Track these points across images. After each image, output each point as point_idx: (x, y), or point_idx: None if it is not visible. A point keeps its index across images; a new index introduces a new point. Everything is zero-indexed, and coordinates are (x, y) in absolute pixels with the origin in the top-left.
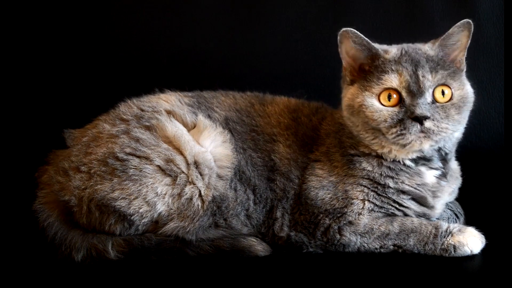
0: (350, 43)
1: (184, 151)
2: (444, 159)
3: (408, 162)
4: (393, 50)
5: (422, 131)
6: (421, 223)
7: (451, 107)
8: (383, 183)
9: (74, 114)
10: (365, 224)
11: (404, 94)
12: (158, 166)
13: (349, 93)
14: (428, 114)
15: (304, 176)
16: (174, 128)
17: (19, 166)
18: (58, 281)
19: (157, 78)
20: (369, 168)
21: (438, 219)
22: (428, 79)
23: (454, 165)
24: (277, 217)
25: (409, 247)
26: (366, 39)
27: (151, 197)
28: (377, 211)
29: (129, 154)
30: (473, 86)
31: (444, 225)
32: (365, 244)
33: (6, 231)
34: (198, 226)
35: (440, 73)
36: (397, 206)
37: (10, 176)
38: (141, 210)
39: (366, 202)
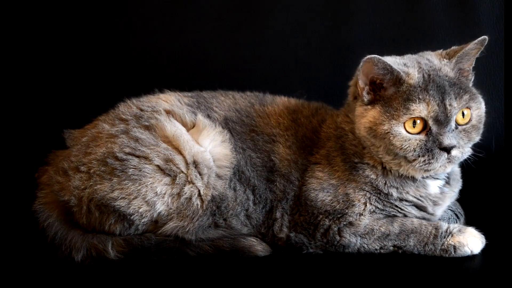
0: (373, 69)
1: (183, 150)
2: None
3: (418, 177)
4: (415, 73)
5: (449, 159)
6: (421, 224)
7: (472, 130)
8: (386, 192)
9: (73, 115)
10: (366, 225)
11: (430, 122)
12: (157, 165)
13: (370, 116)
14: (456, 143)
15: (304, 178)
16: (173, 127)
17: (19, 166)
18: (58, 281)
19: (157, 78)
20: (373, 176)
21: (438, 219)
22: (455, 107)
23: (455, 167)
24: (277, 217)
25: (409, 248)
26: (389, 63)
27: (150, 197)
28: (378, 213)
29: (129, 154)
30: (473, 86)
31: (444, 225)
32: (365, 245)
33: (6, 231)
34: (198, 226)
35: (464, 98)
36: (399, 210)
37: (10, 176)
38: (140, 210)
39: (368, 204)
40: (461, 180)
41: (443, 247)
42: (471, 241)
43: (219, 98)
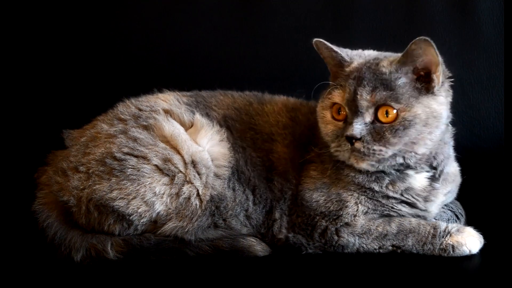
0: (323, 51)
1: (181, 150)
2: (432, 166)
3: (356, 167)
4: (355, 63)
5: (353, 151)
6: (419, 224)
7: (388, 129)
8: (368, 187)
9: (73, 115)
10: (362, 225)
11: (347, 111)
12: (156, 165)
13: (321, 97)
14: (358, 136)
15: (299, 176)
16: (171, 127)
17: (19, 166)
18: (58, 281)
19: (156, 78)
20: (352, 173)
21: (436, 219)
22: (366, 99)
23: (451, 169)
24: (276, 218)
25: (407, 248)
26: (334, 48)
27: (149, 197)
28: (371, 213)
29: (127, 154)
30: (473, 86)
31: (442, 225)
32: (364, 245)
33: (5, 231)
34: (197, 226)
35: (382, 94)
36: (389, 208)
37: (10, 176)
38: (139, 210)
39: (359, 205)
40: (460, 179)
41: (441, 246)
42: (470, 241)
43: (218, 97)
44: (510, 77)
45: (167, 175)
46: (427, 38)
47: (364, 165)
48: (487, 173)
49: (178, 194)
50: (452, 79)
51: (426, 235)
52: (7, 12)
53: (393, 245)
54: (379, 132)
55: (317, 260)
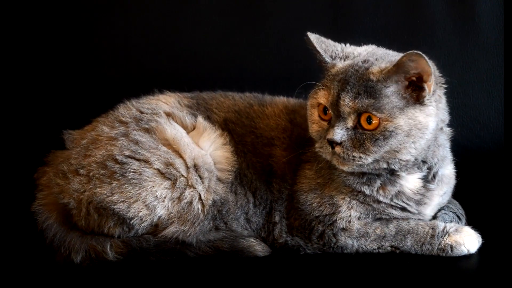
0: (312, 46)
1: (184, 154)
2: (425, 167)
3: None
4: (339, 65)
5: (334, 154)
6: (417, 224)
7: (368, 138)
8: (359, 190)
9: (73, 115)
10: (358, 230)
11: (331, 112)
12: (158, 169)
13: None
14: (338, 140)
15: (295, 176)
16: (174, 130)
17: (19, 166)
18: (57, 282)
19: (156, 78)
20: (343, 174)
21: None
22: (348, 105)
23: (447, 171)
24: (276, 221)
25: (406, 248)
26: (318, 47)
27: (150, 201)
28: (364, 218)
29: (128, 157)
30: (473, 86)
31: (440, 225)
32: (363, 246)
33: (5, 232)
34: (199, 231)
35: (364, 101)
36: (381, 212)
37: (9, 177)
38: (140, 214)
39: (351, 210)
40: (454, 181)
41: (440, 246)
42: (468, 240)
43: (218, 99)
44: (510, 77)
45: (169, 179)
46: (418, 52)
47: (345, 168)
48: (487, 173)
49: (179, 198)
50: (446, 85)
51: (425, 235)
52: (7, 12)
53: (391, 246)
54: (360, 139)
55: (317, 260)
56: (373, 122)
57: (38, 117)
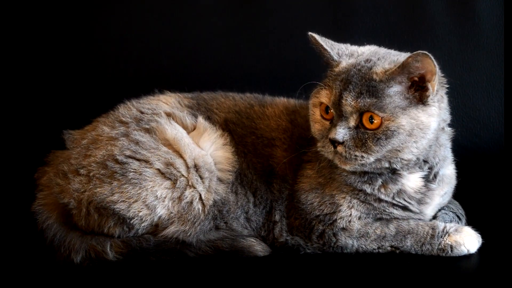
0: (315, 46)
1: (184, 154)
2: (426, 166)
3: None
4: (343, 63)
5: (336, 153)
6: (417, 224)
7: (370, 137)
8: (360, 188)
9: (73, 115)
10: (359, 230)
11: (333, 112)
12: (158, 169)
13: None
14: (340, 140)
15: (296, 176)
16: (174, 130)
17: (19, 166)
18: (57, 282)
19: (157, 78)
20: (345, 173)
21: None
22: (350, 104)
23: (448, 171)
24: (276, 220)
25: (406, 248)
26: (324, 45)
27: (150, 201)
28: (365, 218)
29: (129, 157)
30: (473, 86)
31: (440, 225)
32: (363, 246)
33: (5, 232)
34: (199, 230)
35: (367, 101)
36: (382, 211)
37: (10, 176)
38: (140, 214)
39: (352, 209)
40: (455, 181)
41: (440, 246)
42: (468, 240)
43: (219, 100)
44: (510, 78)
45: (169, 179)
46: (424, 52)
47: (347, 167)
48: (487, 173)
49: (180, 198)
50: (448, 86)
51: (425, 235)
52: (7, 12)
53: (391, 246)
54: (362, 138)
55: (317, 260)
56: (375, 121)
57: (38, 117)
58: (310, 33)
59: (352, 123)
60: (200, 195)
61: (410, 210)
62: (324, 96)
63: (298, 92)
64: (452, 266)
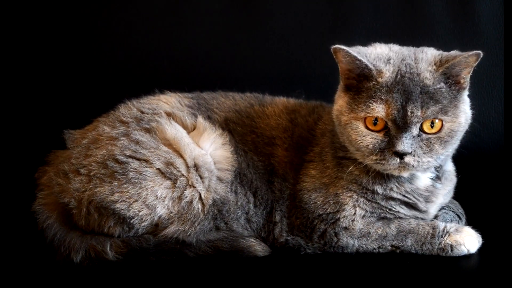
0: (342, 59)
1: (184, 154)
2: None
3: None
4: (387, 73)
5: (401, 164)
6: (418, 224)
7: (437, 141)
8: (371, 189)
9: (74, 115)
10: (361, 229)
11: (390, 124)
12: (158, 169)
13: (339, 104)
14: (410, 150)
15: (298, 176)
16: (174, 130)
17: (19, 166)
18: (57, 282)
19: (157, 78)
20: (357, 172)
21: (440, 221)
22: (417, 116)
23: (449, 167)
24: (277, 221)
25: (406, 248)
26: (359, 57)
27: (151, 200)
28: (369, 217)
29: (129, 156)
30: (473, 86)
31: (441, 225)
32: (364, 246)
33: (5, 231)
34: (199, 230)
35: (431, 109)
36: (387, 211)
37: (10, 176)
38: (141, 213)
39: (357, 208)
40: (455, 178)
41: (440, 246)
42: (468, 240)
43: (219, 100)
44: (510, 77)
45: (169, 178)
46: (479, 52)
47: (406, 174)
48: (487, 173)
49: (180, 198)
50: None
51: (425, 235)
52: (7, 12)
53: (392, 245)
54: (428, 144)
55: (317, 260)
56: (436, 125)
57: (38, 117)
58: (337, 46)
59: (415, 132)
60: (200, 194)
61: (417, 208)
62: (379, 111)
63: (297, 92)
64: (452, 266)
